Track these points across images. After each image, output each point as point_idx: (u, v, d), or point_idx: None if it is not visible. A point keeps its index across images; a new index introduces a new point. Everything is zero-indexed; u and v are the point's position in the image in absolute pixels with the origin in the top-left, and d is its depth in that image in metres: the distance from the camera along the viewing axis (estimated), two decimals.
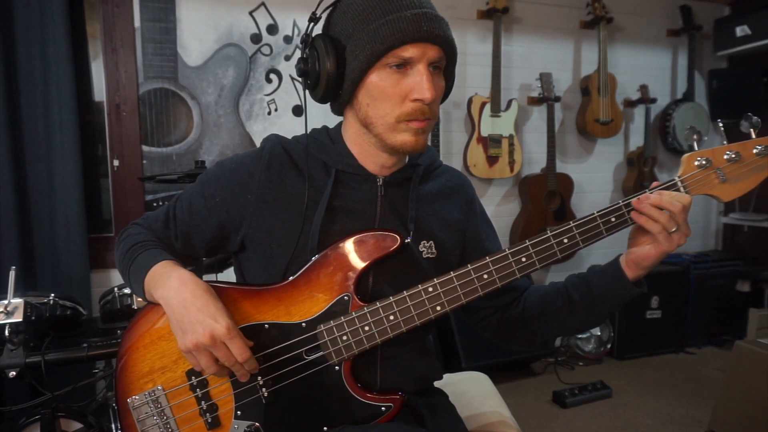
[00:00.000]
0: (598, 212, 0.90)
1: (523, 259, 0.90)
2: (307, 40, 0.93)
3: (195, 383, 0.94)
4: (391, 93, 0.89)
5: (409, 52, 0.86)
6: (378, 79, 0.89)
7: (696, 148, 0.92)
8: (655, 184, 0.90)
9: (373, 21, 0.86)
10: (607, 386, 2.76)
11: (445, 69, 0.94)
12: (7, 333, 1.40)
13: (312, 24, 0.93)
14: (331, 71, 0.90)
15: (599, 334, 3.20)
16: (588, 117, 3.25)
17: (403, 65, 0.88)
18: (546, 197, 3.13)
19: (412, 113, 0.89)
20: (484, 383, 1.45)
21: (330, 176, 0.98)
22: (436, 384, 1.13)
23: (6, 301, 1.41)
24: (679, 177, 0.90)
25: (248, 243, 1.00)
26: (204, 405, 0.94)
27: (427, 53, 0.87)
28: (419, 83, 0.87)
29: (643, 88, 3.39)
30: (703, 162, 0.90)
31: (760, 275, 3.35)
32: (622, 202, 0.90)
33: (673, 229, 0.86)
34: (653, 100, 3.40)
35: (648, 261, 0.89)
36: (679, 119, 3.46)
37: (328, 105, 1.02)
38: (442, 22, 0.89)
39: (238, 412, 0.94)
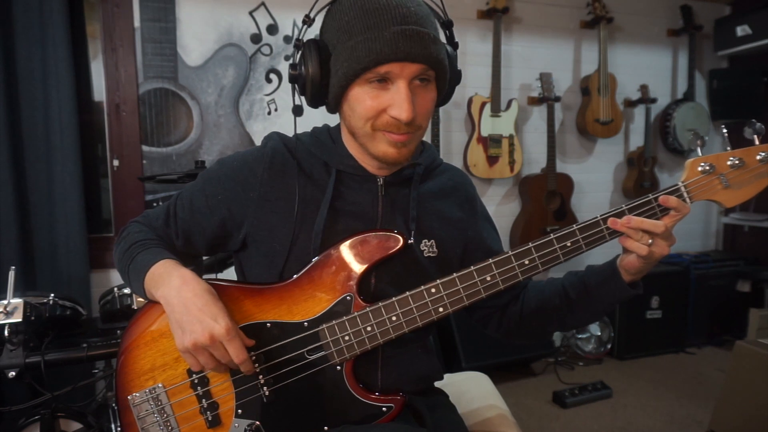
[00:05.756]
0: (601, 216, 0.90)
1: (526, 262, 0.91)
2: (299, 45, 0.92)
3: (196, 381, 0.94)
4: (369, 106, 0.88)
5: (385, 68, 0.85)
6: (359, 93, 0.88)
7: (699, 153, 0.92)
8: (661, 200, 0.88)
9: (353, 37, 0.85)
10: (607, 386, 2.76)
11: (437, 80, 0.91)
12: (6, 333, 1.40)
13: (305, 27, 0.91)
14: (316, 81, 0.90)
15: (599, 334, 3.19)
16: (588, 117, 3.25)
17: (384, 80, 0.87)
18: (546, 197, 3.13)
19: (387, 126, 0.89)
20: (484, 383, 1.45)
21: (331, 176, 0.98)
22: (437, 384, 1.13)
23: (6, 301, 1.41)
24: (682, 182, 0.90)
25: (250, 241, 1.00)
26: (204, 403, 0.94)
27: (407, 69, 0.85)
28: (397, 101, 0.86)
29: (644, 88, 3.39)
30: (707, 167, 0.89)
31: (760, 275, 3.35)
32: (626, 206, 0.90)
33: (646, 250, 0.87)
34: (653, 100, 3.40)
35: (633, 268, 0.91)
36: (679, 119, 3.46)
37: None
38: (425, 38, 0.85)
39: (239, 411, 0.94)
